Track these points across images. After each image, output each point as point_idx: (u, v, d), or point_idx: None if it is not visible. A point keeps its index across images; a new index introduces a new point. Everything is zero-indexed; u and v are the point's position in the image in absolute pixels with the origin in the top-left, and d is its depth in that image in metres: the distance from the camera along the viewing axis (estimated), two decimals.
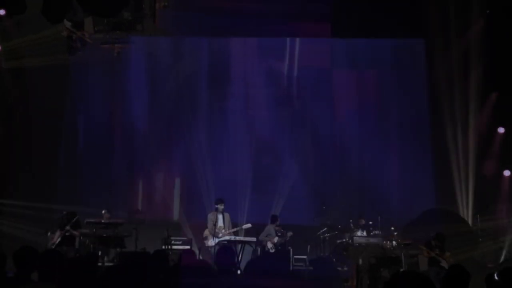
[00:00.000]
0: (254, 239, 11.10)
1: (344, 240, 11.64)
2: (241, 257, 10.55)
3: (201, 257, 10.50)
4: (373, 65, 13.66)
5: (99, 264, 9.21)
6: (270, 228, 11.54)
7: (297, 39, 13.78)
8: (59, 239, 10.65)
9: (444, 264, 9.84)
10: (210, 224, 11.14)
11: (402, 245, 10.53)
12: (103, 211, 11.47)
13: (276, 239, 11.37)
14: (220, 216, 11.18)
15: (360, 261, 9.94)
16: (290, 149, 13.39)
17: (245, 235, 11.55)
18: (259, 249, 11.26)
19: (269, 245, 11.31)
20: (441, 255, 9.93)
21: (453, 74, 12.66)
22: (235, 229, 11.28)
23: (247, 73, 13.61)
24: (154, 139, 13.38)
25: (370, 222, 11.69)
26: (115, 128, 13.61)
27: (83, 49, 11.91)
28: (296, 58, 13.78)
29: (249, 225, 11.49)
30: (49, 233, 10.88)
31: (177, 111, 13.68)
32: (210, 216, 11.24)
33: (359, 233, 11.54)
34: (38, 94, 12.87)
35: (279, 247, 11.29)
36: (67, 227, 10.72)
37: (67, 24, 11.42)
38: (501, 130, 12.65)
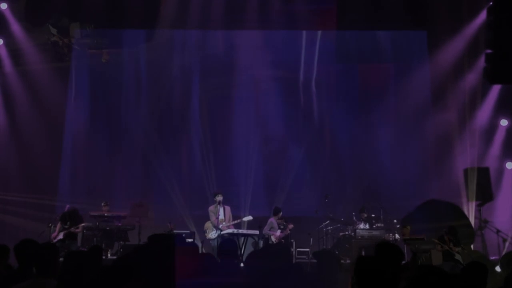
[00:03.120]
0: (257, 232, 11.10)
1: (347, 232, 11.67)
2: (244, 250, 10.57)
3: (204, 250, 10.53)
4: (376, 57, 13.62)
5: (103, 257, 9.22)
6: (273, 221, 11.54)
7: (303, 32, 13.75)
8: (60, 236, 10.66)
9: (458, 257, 9.82)
10: (212, 217, 11.18)
11: (415, 240, 10.46)
12: (102, 203, 11.53)
13: (278, 233, 11.38)
14: (221, 209, 11.23)
15: (363, 253, 9.93)
16: (293, 142, 13.39)
17: (248, 228, 11.57)
18: (261, 242, 11.27)
19: (273, 238, 11.33)
20: (454, 249, 9.92)
21: (455, 66, 12.62)
22: (235, 221, 11.31)
23: (252, 64, 13.52)
24: (156, 132, 13.37)
25: (373, 215, 11.70)
26: (117, 122, 13.59)
27: (70, 54, 12.06)
28: (302, 50, 13.75)
29: (250, 217, 11.48)
30: (52, 227, 10.92)
31: (179, 103, 13.67)
32: (212, 209, 11.28)
33: (361, 225, 11.55)
34: (41, 88, 12.88)
35: (282, 240, 11.31)
36: (72, 229, 10.71)
37: (53, 30, 11.52)
38: (504, 122, 12.62)
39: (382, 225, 11.54)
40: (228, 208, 11.35)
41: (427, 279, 3.18)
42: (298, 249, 11.37)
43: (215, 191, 11.73)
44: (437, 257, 9.93)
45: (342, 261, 10.28)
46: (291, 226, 11.47)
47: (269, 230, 11.42)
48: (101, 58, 12.31)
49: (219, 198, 11.20)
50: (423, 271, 3.26)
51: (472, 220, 11.81)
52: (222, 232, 10.89)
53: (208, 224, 11.24)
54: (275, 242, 11.23)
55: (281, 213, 11.66)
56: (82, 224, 10.85)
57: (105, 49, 12.04)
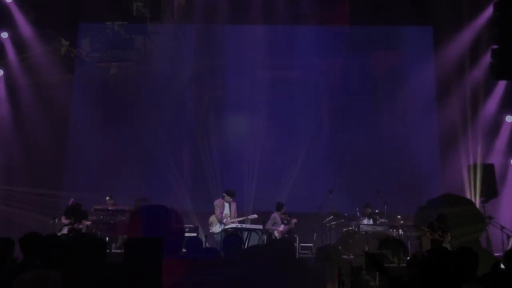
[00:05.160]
0: (260, 226, 11.12)
1: (350, 228, 11.66)
2: (248, 245, 10.58)
3: (207, 245, 10.55)
4: (382, 51, 13.58)
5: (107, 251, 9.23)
6: (276, 216, 11.55)
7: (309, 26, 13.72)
8: (64, 230, 10.68)
9: (446, 245, 9.83)
10: (217, 211, 11.19)
11: (406, 227, 10.50)
12: (107, 197, 11.56)
13: (282, 227, 11.39)
14: (226, 205, 11.25)
15: (366, 248, 9.95)
16: (296, 137, 13.36)
17: (251, 223, 11.57)
18: (265, 237, 11.28)
19: (276, 233, 11.34)
20: (443, 236, 9.94)
21: (461, 62, 12.58)
22: (240, 218, 11.33)
23: (256, 59, 13.46)
24: (161, 128, 13.38)
25: (377, 211, 11.68)
26: (121, 117, 13.59)
27: (80, 67, 12.13)
28: (304, 45, 13.70)
29: (254, 216, 11.53)
30: (56, 220, 10.95)
31: (182, 99, 13.66)
32: (217, 203, 11.29)
33: (365, 221, 11.54)
34: (46, 83, 12.91)
35: (285, 235, 11.32)
36: (76, 225, 10.71)
37: (65, 43, 11.55)
38: (509, 118, 12.57)
39: (386, 220, 11.53)
40: (234, 204, 11.38)
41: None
42: (301, 244, 11.37)
43: (230, 190, 11.47)
44: (427, 243, 9.99)
45: (346, 256, 10.32)
46: (294, 220, 11.49)
47: (272, 225, 11.42)
48: (109, 71, 12.45)
49: (229, 198, 11.26)
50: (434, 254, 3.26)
51: None
52: (226, 227, 10.92)
53: (212, 218, 11.27)
54: (278, 237, 11.24)
55: (284, 208, 11.67)
56: (86, 223, 10.88)
57: (114, 62, 12.14)
